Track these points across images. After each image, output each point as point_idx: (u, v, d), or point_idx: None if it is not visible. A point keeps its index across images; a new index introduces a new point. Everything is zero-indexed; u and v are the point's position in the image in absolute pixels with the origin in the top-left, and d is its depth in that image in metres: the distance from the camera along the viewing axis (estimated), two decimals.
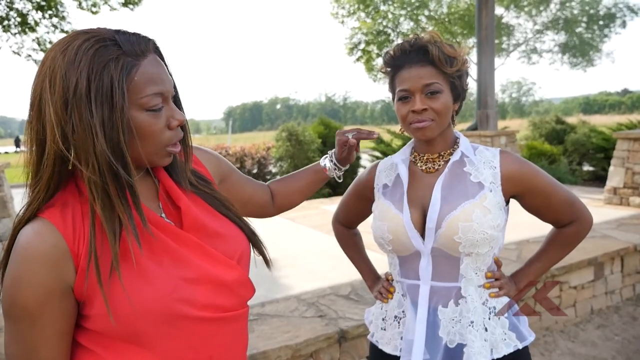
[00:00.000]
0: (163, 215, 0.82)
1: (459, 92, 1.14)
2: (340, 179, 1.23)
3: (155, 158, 0.78)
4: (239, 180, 1.10)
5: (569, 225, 1.20)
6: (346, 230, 1.44)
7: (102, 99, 0.68)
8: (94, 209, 0.71)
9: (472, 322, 1.09)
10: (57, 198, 0.74)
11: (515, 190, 1.14)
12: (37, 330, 0.70)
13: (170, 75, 0.79)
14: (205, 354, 0.79)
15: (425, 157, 1.18)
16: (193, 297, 0.76)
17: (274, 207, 1.21)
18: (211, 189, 0.92)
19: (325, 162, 1.22)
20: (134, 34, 0.75)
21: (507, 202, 1.17)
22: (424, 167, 1.18)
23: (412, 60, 1.09)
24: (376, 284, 1.33)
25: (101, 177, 0.69)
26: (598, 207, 5.26)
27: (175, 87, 0.81)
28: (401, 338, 1.17)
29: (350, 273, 3.20)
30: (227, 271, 0.82)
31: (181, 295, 0.74)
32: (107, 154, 0.69)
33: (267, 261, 0.97)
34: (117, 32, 0.73)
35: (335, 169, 1.22)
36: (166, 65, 0.79)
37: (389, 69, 1.15)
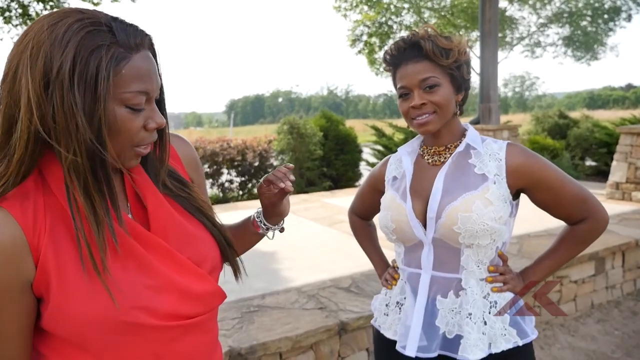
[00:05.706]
0: (130, 215, 0.77)
1: (460, 83, 1.15)
2: (271, 238, 1.03)
3: (121, 157, 0.72)
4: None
5: (581, 222, 1.17)
6: (361, 221, 1.49)
7: (85, 86, 0.64)
8: (75, 196, 0.66)
9: (470, 314, 1.09)
10: (19, 187, 0.68)
11: (522, 183, 1.13)
12: None
13: (160, 77, 0.75)
14: None
15: (432, 150, 1.20)
16: (155, 305, 0.71)
17: None
18: (187, 193, 0.85)
19: (254, 214, 1.02)
20: (132, 25, 0.70)
21: (516, 196, 1.16)
22: (430, 160, 1.20)
23: (407, 57, 1.12)
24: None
25: (82, 163, 0.65)
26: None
27: (161, 90, 0.76)
28: None
29: (350, 266, 3.21)
30: (197, 282, 0.77)
31: (142, 304, 0.70)
32: (89, 140, 0.65)
33: (236, 272, 0.91)
34: (115, 19, 0.69)
35: (264, 226, 0.99)
36: (157, 65, 0.74)
37: (390, 68, 1.18)
